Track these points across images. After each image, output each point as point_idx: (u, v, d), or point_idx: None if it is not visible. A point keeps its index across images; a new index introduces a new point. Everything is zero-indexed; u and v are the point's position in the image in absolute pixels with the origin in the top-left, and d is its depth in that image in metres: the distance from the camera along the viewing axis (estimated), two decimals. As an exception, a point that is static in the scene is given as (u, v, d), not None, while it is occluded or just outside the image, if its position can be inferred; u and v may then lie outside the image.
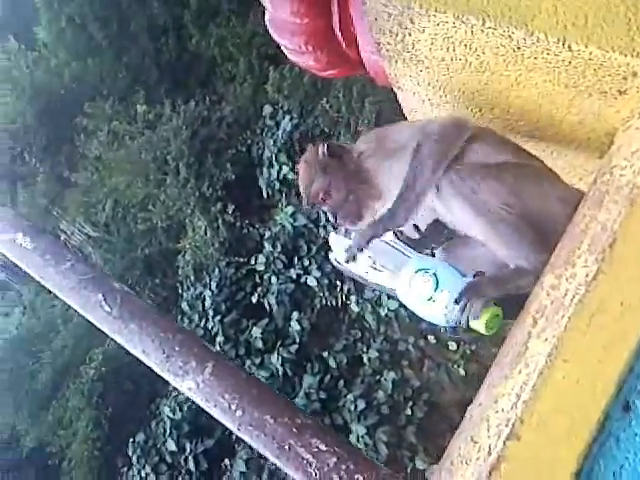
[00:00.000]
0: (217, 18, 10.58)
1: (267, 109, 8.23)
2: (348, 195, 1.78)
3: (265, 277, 7.11)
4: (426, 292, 1.53)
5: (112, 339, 1.97)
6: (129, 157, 9.63)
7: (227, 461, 6.69)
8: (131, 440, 7.38)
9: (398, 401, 5.71)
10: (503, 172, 1.60)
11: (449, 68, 1.65)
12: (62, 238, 9.53)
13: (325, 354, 6.31)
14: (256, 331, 6.71)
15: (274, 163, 7.54)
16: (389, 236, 1.71)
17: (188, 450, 6.82)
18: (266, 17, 2.07)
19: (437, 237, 1.79)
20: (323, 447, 1.64)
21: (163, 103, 9.73)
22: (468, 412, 1.35)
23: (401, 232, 1.75)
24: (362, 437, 5.54)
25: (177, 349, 1.94)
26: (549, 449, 1.13)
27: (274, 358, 6.42)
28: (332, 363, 6.21)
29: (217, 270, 7.67)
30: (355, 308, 6.40)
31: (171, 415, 7.04)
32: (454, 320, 1.51)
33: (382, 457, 5.32)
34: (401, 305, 5.94)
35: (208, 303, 7.37)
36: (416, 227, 1.79)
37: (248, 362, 6.57)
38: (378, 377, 5.93)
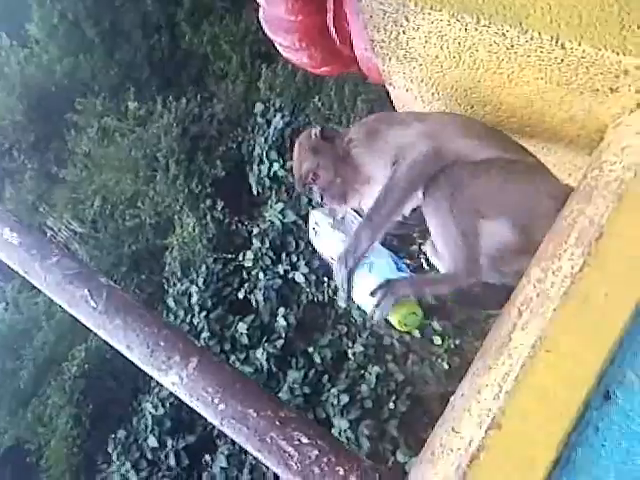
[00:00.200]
0: (210, 16, 10.59)
1: (259, 107, 8.22)
2: (335, 177, 1.81)
3: (252, 273, 7.11)
4: (359, 277, 1.60)
5: (95, 335, 1.96)
6: (119, 154, 9.59)
7: (208, 457, 6.67)
8: (111, 436, 7.33)
9: (381, 395, 5.73)
10: (491, 170, 1.62)
11: (442, 65, 1.67)
12: (49, 235, 9.45)
13: (310, 349, 6.32)
14: (242, 327, 6.71)
15: (264, 160, 7.54)
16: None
17: (169, 446, 6.80)
18: (260, 14, 2.07)
19: (419, 223, 1.83)
20: (305, 440, 1.64)
21: (154, 100, 9.70)
22: (450, 402, 1.36)
23: None
24: (344, 431, 5.55)
25: (161, 344, 1.93)
26: (529, 438, 1.15)
27: (259, 353, 6.42)
28: (317, 358, 6.22)
29: (204, 266, 7.66)
30: (341, 304, 6.42)
31: (153, 411, 7.00)
32: (369, 307, 1.57)
33: (364, 451, 5.34)
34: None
35: (194, 299, 7.35)
36: None
37: (233, 357, 6.57)
38: (362, 372, 5.95)
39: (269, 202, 7.48)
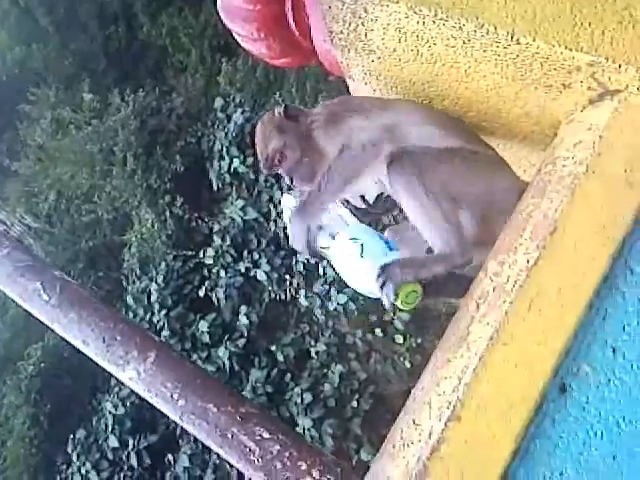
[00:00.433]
0: (169, 7, 10.40)
1: (219, 101, 8.11)
2: (302, 156, 1.80)
3: (214, 271, 7.03)
4: (352, 260, 1.60)
5: (52, 333, 1.90)
6: (73, 146, 9.34)
7: (170, 456, 6.59)
8: (71, 437, 7.17)
9: (344, 394, 5.78)
10: (455, 159, 1.63)
11: (400, 59, 1.67)
12: (1, 229, 9.12)
13: (273, 348, 6.31)
14: (203, 325, 6.64)
15: (225, 156, 7.45)
16: (337, 202, 1.76)
17: (131, 446, 6.69)
18: (218, 3, 2.03)
19: (383, 209, 1.83)
20: (266, 435, 1.63)
21: (111, 92, 9.48)
22: (411, 395, 1.37)
23: (348, 201, 1.80)
24: (308, 430, 5.58)
25: (118, 338, 1.89)
26: (488, 430, 1.16)
27: (221, 352, 6.36)
28: (280, 357, 6.21)
29: (164, 263, 7.54)
30: (304, 302, 6.43)
31: (113, 411, 6.88)
32: (372, 291, 1.58)
33: (328, 449, 5.36)
34: (350, 299, 6.04)
35: (154, 297, 7.23)
36: (362, 198, 1.84)
37: (194, 356, 6.49)
38: (325, 370, 5.98)
39: (229, 199, 7.41)
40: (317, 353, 6.14)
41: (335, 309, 6.15)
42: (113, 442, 6.77)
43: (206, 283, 7.03)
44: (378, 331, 5.99)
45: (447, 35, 1.45)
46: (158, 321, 7.02)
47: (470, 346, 1.25)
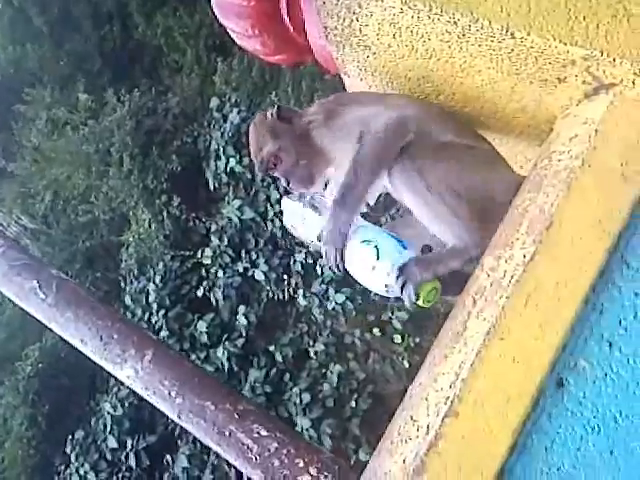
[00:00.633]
0: (164, 7, 10.37)
1: (214, 101, 8.09)
2: (299, 159, 1.77)
3: (211, 271, 7.02)
4: (368, 263, 1.58)
5: (50, 333, 1.90)
6: (69, 147, 9.32)
7: (169, 457, 6.58)
8: (69, 437, 7.16)
9: (343, 394, 5.77)
10: (452, 154, 1.63)
11: (396, 54, 1.66)
12: (-2, 230, 9.09)
13: (271, 348, 6.30)
14: (201, 325, 6.62)
15: (221, 156, 7.44)
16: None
17: (129, 446, 6.67)
18: (212, 0, 2.02)
19: (383, 208, 1.82)
20: (264, 433, 1.63)
21: (106, 92, 9.46)
22: (409, 391, 1.36)
23: None
24: (307, 430, 5.57)
25: (115, 337, 1.89)
26: (485, 425, 1.16)
27: (220, 352, 6.35)
28: (278, 357, 6.20)
29: (161, 263, 7.52)
30: (302, 302, 6.42)
31: (112, 411, 6.85)
32: (394, 292, 1.57)
33: (326, 449, 5.34)
34: (348, 298, 6.02)
35: (152, 297, 7.21)
36: None
37: (193, 356, 6.47)
38: (324, 370, 5.97)
39: (226, 198, 7.39)
40: (316, 353, 6.13)
41: (333, 309, 6.15)
42: (112, 443, 6.75)
43: (204, 283, 7.02)
44: (376, 331, 5.99)
45: (442, 30, 1.45)
46: (156, 321, 6.99)
47: (467, 341, 1.24)
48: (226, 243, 6.99)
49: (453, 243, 1.59)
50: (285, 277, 6.61)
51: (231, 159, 7.38)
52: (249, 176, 7.19)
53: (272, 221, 6.74)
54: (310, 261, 6.33)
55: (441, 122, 1.71)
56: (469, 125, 1.77)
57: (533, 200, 1.33)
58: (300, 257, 6.41)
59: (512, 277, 1.25)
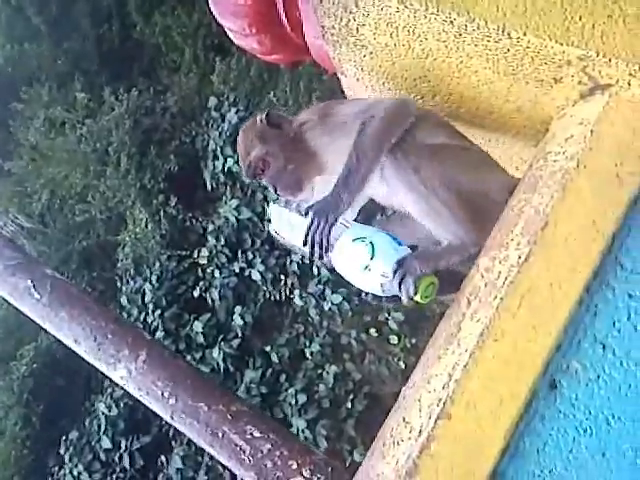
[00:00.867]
0: (162, 7, 10.34)
1: (212, 101, 8.08)
2: (286, 164, 1.76)
3: (208, 271, 7.00)
4: (362, 261, 1.54)
5: (45, 333, 1.91)
6: (67, 146, 9.29)
7: (163, 458, 6.56)
8: (63, 438, 7.14)
9: (339, 394, 5.76)
10: (447, 154, 1.62)
11: (392, 54, 1.66)
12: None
13: (267, 348, 6.28)
14: (197, 325, 6.60)
15: (219, 155, 7.43)
16: None
17: (123, 447, 6.66)
18: (210, -1, 2.02)
19: (369, 218, 1.82)
20: (257, 434, 1.63)
21: (104, 91, 9.43)
22: (402, 393, 1.36)
23: None
24: (302, 431, 5.56)
25: (109, 337, 1.89)
26: (478, 427, 1.16)
27: (215, 353, 6.34)
28: (274, 357, 6.19)
29: (158, 263, 7.50)
30: (299, 302, 6.40)
31: (106, 412, 6.84)
32: (390, 291, 1.54)
33: (322, 450, 5.34)
34: (344, 299, 6.02)
35: (148, 297, 7.19)
36: None
37: (189, 357, 6.46)
38: (320, 371, 5.96)
39: (224, 198, 7.38)
40: (312, 353, 6.12)
41: (330, 309, 6.14)
42: (106, 443, 6.74)
43: (200, 283, 7.00)
44: (373, 331, 5.98)
45: (438, 30, 1.44)
46: (152, 322, 6.97)
47: (460, 342, 1.24)
48: (223, 243, 6.96)
49: (449, 240, 1.58)
50: (281, 277, 6.59)
51: (229, 159, 7.37)
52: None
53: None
54: (307, 261, 6.32)
55: (436, 125, 1.71)
56: (460, 132, 1.76)
57: (528, 201, 1.33)
58: (297, 257, 6.40)
59: (506, 278, 1.24)
